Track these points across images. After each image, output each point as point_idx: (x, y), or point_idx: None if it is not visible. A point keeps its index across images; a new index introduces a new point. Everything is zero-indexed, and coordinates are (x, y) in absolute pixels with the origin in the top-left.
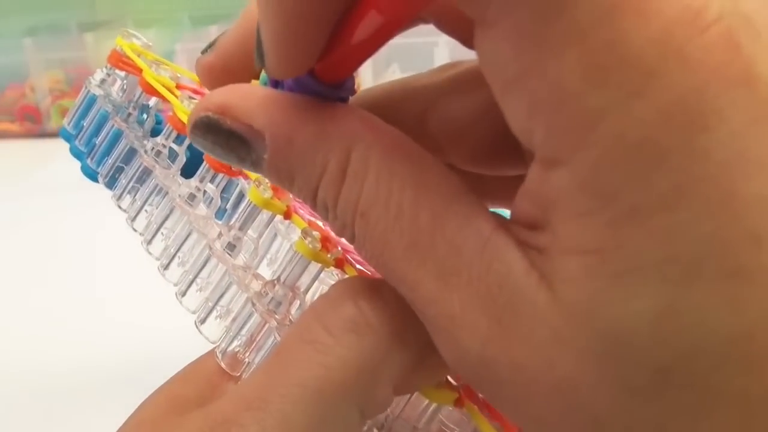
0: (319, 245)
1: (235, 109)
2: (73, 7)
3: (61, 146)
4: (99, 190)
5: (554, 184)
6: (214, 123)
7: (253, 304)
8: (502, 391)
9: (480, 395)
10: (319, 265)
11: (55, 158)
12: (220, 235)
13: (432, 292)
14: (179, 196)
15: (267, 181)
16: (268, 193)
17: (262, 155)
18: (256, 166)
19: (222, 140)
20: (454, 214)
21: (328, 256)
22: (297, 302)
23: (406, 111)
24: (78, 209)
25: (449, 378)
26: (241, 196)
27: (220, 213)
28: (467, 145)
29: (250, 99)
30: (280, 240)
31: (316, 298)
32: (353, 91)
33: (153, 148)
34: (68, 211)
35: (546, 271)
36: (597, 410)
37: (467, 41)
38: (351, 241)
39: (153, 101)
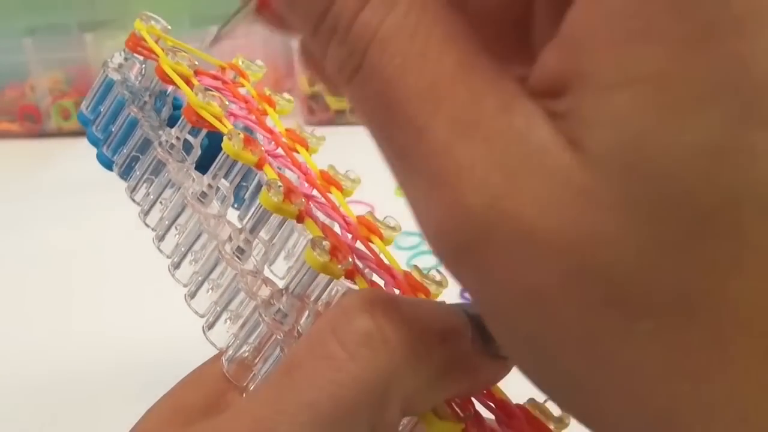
0: (328, 257)
1: None
2: (73, 7)
3: (61, 146)
4: (99, 190)
5: (604, 6)
6: None
7: (260, 314)
8: (498, 256)
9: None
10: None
11: (55, 158)
12: (230, 238)
13: (442, 141)
14: (191, 193)
15: (279, 184)
16: (280, 197)
17: None
18: None
19: None
20: (482, 67)
21: (339, 267)
22: (306, 312)
23: None
24: (78, 209)
25: (455, 407)
26: (260, 187)
27: (238, 200)
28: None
29: None
30: (296, 234)
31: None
32: None
33: (167, 141)
34: (68, 211)
35: (573, 132)
36: (613, 271)
37: None
38: (352, 74)
39: (171, 88)
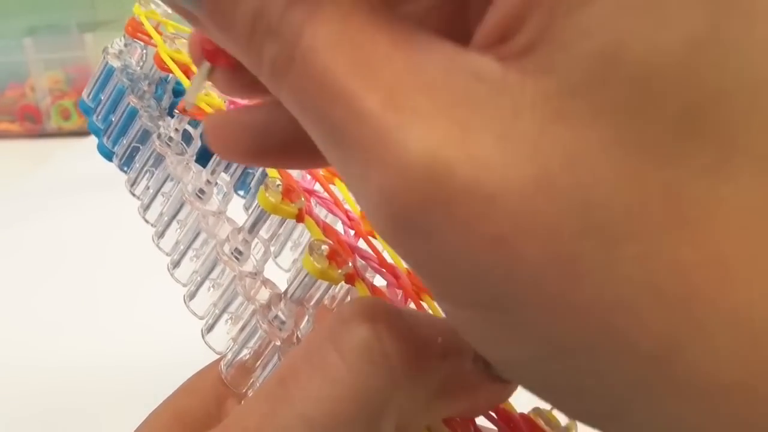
0: (326, 262)
1: None
2: (73, 7)
3: (61, 146)
4: (99, 190)
5: None
6: None
7: (258, 321)
8: (450, 210)
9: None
10: None
11: (55, 158)
12: (228, 238)
13: (378, 112)
14: (189, 190)
15: (277, 183)
16: (277, 197)
17: None
18: None
19: None
20: (418, 39)
21: (338, 272)
22: (306, 317)
23: None
24: (78, 209)
25: (456, 427)
26: (266, 174)
27: (244, 187)
28: None
29: None
30: (302, 226)
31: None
32: None
33: (165, 133)
34: (68, 212)
35: (540, 61)
36: (591, 194)
37: None
38: (286, 68)
39: (171, 75)
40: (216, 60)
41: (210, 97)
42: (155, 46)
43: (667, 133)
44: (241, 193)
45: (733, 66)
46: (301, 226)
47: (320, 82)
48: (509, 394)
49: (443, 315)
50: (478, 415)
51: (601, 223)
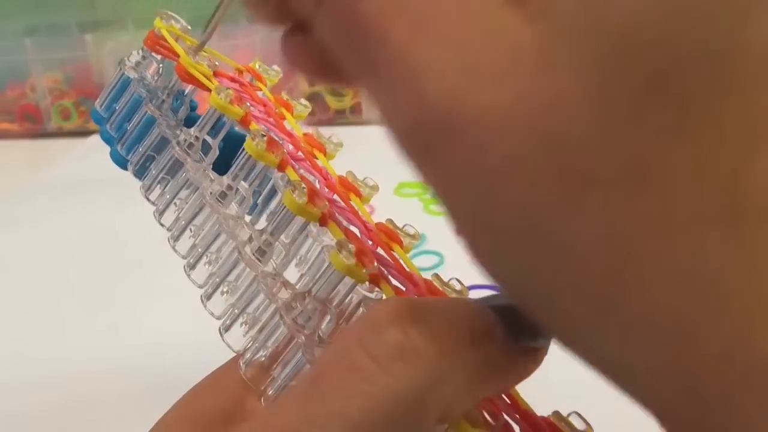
0: (354, 260)
1: None
2: (73, 7)
3: (61, 146)
4: (99, 190)
5: None
6: None
7: (281, 317)
8: (458, 141)
9: None
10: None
11: (55, 158)
12: (250, 239)
13: (403, 44)
14: (210, 193)
15: (302, 185)
16: (303, 199)
17: None
18: None
19: None
20: None
21: (364, 271)
22: (328, 317)
23: None
24: (78, 209)
25: (486, 416)
26: (273, 192)
27: (251, 206)
28: None
29: None
30: (310, 241)
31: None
32: None
33: (185, 140)
34: (68, 212)
35: (537, 6)
36: (566, 139)
37: None
38: (319, 2)
39: (189, 88)
40: None
41: (200, 66)
42: (175, 59)
43: (635, 91)
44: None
45: (700, 35)
46: (308, 242)
47: (351, 15)
48: (538, 364)
49: None
50: (506, 392)
51: (574, 166)
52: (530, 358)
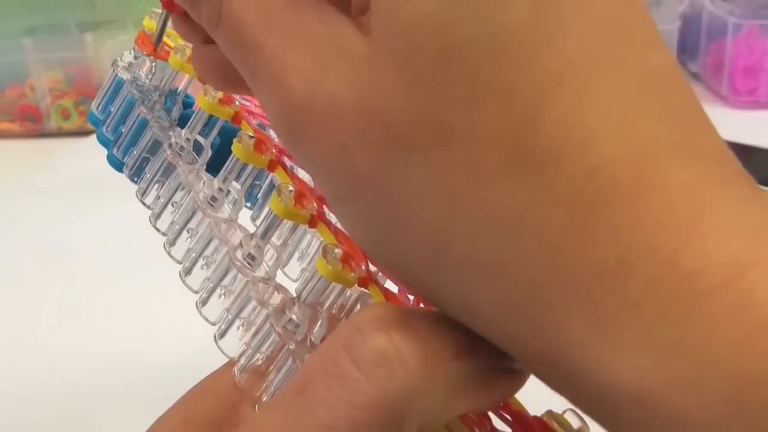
0: (340, 265)
1: None
2: (73, 7)
3: (61, 146)
4: (99, 190)
5: None
6: None
7: (272, 324)
8: (318, 126)
9: None
10: None
11: (55, 158)
12: (240, 244)
13: (276, 52)
14: (201, 198)
15: (289, 188)
16: (290, 203)
17: None
18: None
19: None
20: (308, 2)
21: (352, 275)
22: (319, 321)
23: None
24: (78, 209)
25: (472, 424)
26: (272, 186)
27: (251, 198)
28: None
29: None
30: (310, 235)
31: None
32: None
33: (176, 143)
34: (68, 212)
35: (369, 25)
36: (389, 115)
37: None
38: (216, 23)
39: (182, 86)
40: (171, 8)
41: (175, 38)
42: (165, 58)
43: (430, 70)
44: (248, 204)
45: (472, 21)
46: (308, 236)
47: (238, 32)
48: (522, 383)
49: None
50: (491, 409)
51: (399, 135)
52: (513, 378)
